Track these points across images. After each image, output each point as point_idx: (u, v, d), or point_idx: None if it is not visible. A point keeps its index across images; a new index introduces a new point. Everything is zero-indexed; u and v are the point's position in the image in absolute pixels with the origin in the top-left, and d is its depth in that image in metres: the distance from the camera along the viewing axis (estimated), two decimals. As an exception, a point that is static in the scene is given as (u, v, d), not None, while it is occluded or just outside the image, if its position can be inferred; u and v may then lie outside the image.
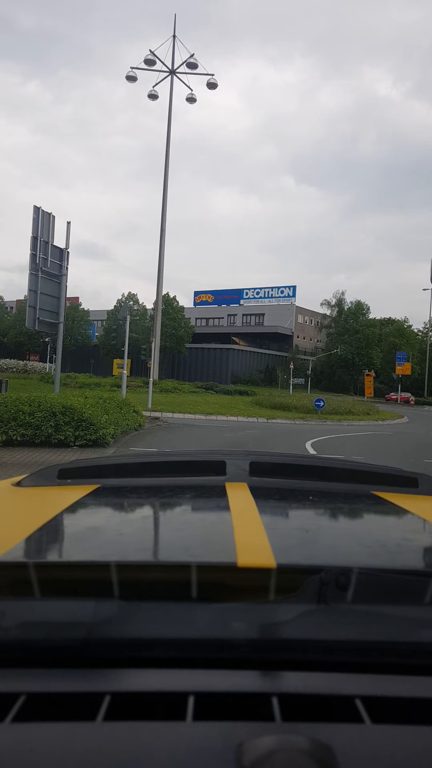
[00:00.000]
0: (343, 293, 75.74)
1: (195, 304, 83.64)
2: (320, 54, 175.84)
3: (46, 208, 14.89)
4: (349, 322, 71.62)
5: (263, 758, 0.36)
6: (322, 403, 27.46)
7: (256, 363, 66.41)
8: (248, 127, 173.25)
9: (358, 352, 70.28)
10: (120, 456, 1.37)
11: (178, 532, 0.83)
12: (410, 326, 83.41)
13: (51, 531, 0.77)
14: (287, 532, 0.85)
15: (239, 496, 0.93)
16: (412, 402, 56.31)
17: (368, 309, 75.17)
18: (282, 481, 1.12)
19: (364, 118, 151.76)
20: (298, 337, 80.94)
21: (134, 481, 1.12)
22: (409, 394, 58.45)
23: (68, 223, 14.97)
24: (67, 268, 15.15)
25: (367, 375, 62.20)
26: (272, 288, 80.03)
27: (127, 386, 21.90)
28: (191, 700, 0.44)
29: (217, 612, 0.51)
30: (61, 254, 14.96)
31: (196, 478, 1.14)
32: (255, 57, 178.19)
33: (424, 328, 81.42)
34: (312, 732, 0.40)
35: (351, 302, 74.28)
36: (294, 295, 78.54)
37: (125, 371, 21.97)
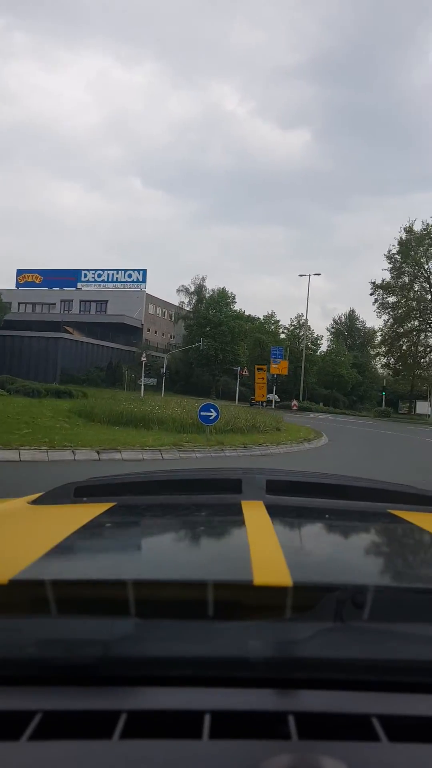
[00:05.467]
0: (203, 279, 63.19)
1: (18, 285, 65.44)
2: (171, 61, 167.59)
3: None
4: (211, 312, 59.26)
5: None
6: (213, 415, 13.47)
7: (96, 358, 50.67)
8: (94, 123, 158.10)
9: (222, 348, 58.11)
10: (136, 474, 1.33)
11: (194, 550, 0.86)
12: (278, 321, 74.19)
13: (67, 549, 0.78)
14: (303, 551, 0.86)
15: (255, 514, 0.93)
16: (295, 407, 45.10)
17: (233, 298, 63.83)
18: (298, 500, 1.11)
19: (211, 130, 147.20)
20: (149, 330, 67.23)
21: (150, 499, 1.13)
22: (294, 399, 47.39)
23: None
24: None
25: (259, 369, 50.04)
26: (117, 271, 64.71)
27: None
28: (207, 719, 0.44)
29: (233, 630, 0.51)
30: None
31: (212, 496, 1.14)
32: (105, 53, 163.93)
33: (291, 325, 72.58)
34: (329, 750, 0.39)
35: (213, 290, 62.19)
36: (144, 281, 64.01)
37: None
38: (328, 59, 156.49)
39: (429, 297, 46.23)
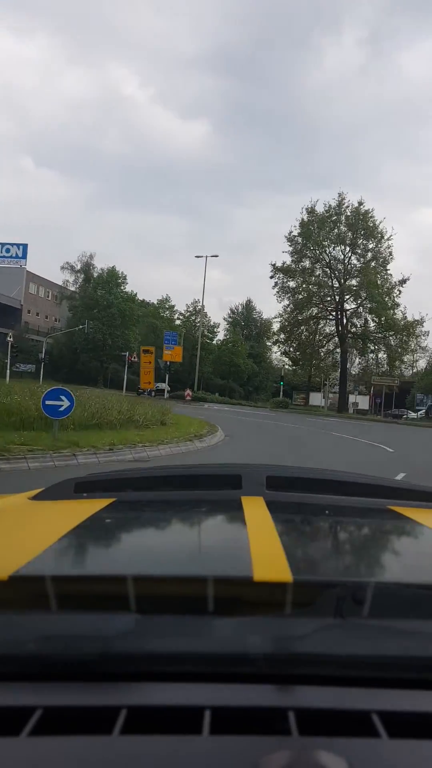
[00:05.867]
0: (91, 257, 57.72)
1: None
2: (67, 38, 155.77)
3: None
4: (99, 292, 54.20)
5: None
6: (66, 405, 9.14)
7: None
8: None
9: (111, 332, 53.34)
10: (136, 470, 1.34)
11: (194, 546, 0.87)
12: (173, 306, 70.24)
13: (68, 545, 0.78)
14: (303, 547, 0.87)
15: (255, 510, 0.93)
16: (188, 397, 41.53)
17: (124, 279, 59.08)
18: (298, 495, 1.11)
19: (109, 113, 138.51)
20: (29, 312, 60.64)
21: (150, 495, 1.13)
22: (187, 389, 43.76)
23: None
24: None
25: (146, 352, 45.61)
26: (-7, 243, 57.28)
27: None
28: (208, 714, 0.44)
29: (234, 626, 0.51)
30: None
31: (212, 492, 1.14)
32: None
33: (187, 311, 68.95)
34: (329, 747, 0.40)
35: (102, 269, 57.03)
36: (24, 257, 57.23)
37: None
38: (228, 54, 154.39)
39: (330, 283, 44.47)
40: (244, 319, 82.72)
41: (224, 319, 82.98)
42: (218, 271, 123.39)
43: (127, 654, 0.49)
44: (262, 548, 0.70)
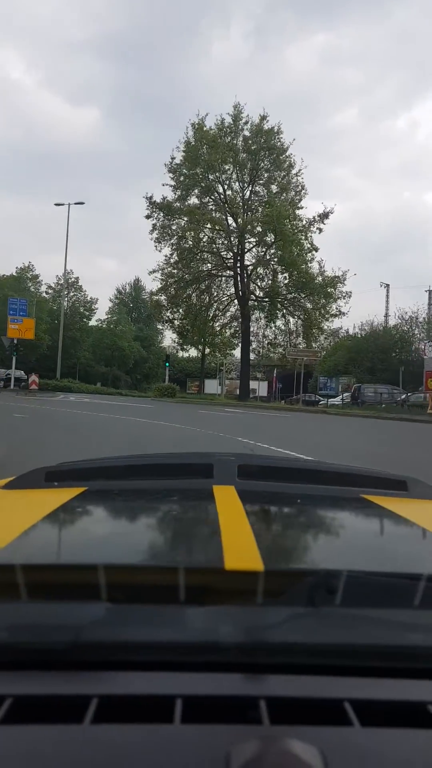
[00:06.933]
0: None
1: None
2: None
3: None
4: None
5: (251, 761, 0.36)
6: None
7: None
8: None
9: None
10: (107, 458, 1.35)
11: (166, 535, 0.87)
12: (38, 276, 57.09)
13: (38, 533, 0.78)
14: (275, 536, 0.89)
15: (227, 499, 0.93)
16: (34, 386, 29.69)
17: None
18: (270, 484, 1.12)
19: None
20: None
21: (121, 484, 1.13)
22: (33, 374, 31.42)
23: None
24: None
25: None
26: None
27: None
28: (179, 703, 0.44)
29: (205, 615, 0.51)
30: None
31: (184, 481, 1.15)
32: None
33: (57, 284, 56.29)
34: (300, 735, 0.40)
35: None
36: None
37: None
38: (117, 39, 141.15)
39: (226, 222, 33.44)
40: (132, 300, 71.30)
41: (110, 299, 71.23)
42: (113, 263, 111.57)
43: (98, 643, 0.49)
44: (234, 537, 0.70)
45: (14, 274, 54.11)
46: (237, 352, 38.32)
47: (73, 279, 57.13)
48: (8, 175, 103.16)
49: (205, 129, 32.44)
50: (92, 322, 59.37)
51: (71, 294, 57.08)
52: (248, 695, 0.45)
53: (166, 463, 1.28)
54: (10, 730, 0.41)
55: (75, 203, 42.18)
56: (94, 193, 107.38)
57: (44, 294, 55.82)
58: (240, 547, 0.65)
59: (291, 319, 34.05)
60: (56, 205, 42.73)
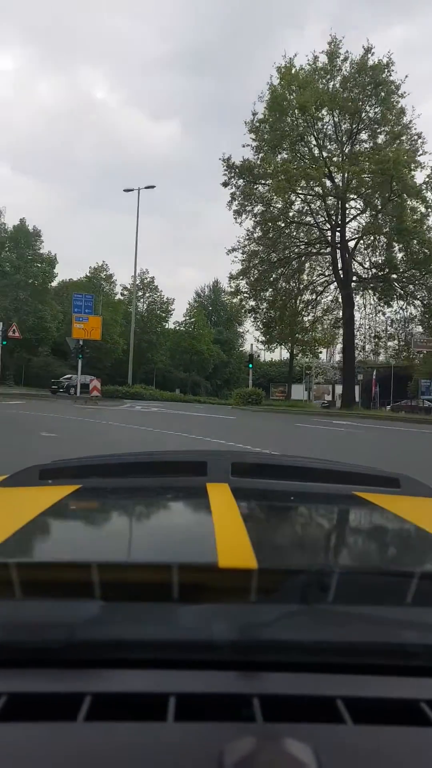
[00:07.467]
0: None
1: None
2: (39, 46, 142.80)
3: None
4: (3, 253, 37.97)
5: (245, 758, 0.37)
6: None
7: None
8: None
9: (17, 308, 37.10)
10: (101, 456, 1.35)
11: (159, 533, 0.88)
12: (111, 276, 53.52)
13: (32, 531, 0.78)
14: (268, 533, 0.88)
15: (220, 496, 0.94)
16: (95, 393, 25.29)
17: (38, 235, 43.14)
18: (263, 482, 1.12)
19: (83, 118, 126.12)
20: None
21: (115, 482, 1.14)
22: (94, 379, 27.10)
23: None
24: None
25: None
26: None
27: None
28: (172, 701, 0.44)
29: (198, 613, 0.51)
30: None
31: (178, 479, 1.15)
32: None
33: (132, 285, 52.47)
34: (293, 733, 0.40)
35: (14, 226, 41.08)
36: None
37: None
38: (197, 51, 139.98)
39: (322, 183, 26.20)
40: (212, 303, 66.58)
41: (188, 303, 67.03)
42: (193, 270, 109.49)
43: (92, 641, 0.49)
44: (227, 535, 0.70)
45: (87, 275, 50.87)
46: (323, 353, 31.75)
47: (148, 279, 53.16)
48: (94, 190, 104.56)
49: (294, 71, 26.37)
50: (169, 325, 55.04)
51: (147, 295, 53.11)
52: (242, 693, 0.45)
53: (160, 460, 1.28)
54: (3, 728, 0.42)
55: (145, 187, 37.83)
56: (173, 201, 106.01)
57: (119, 296, 52.12)
58: (233, 545, 0.65)
59: (409, 304, 27.01)
60: (125, 191, 38.63)
